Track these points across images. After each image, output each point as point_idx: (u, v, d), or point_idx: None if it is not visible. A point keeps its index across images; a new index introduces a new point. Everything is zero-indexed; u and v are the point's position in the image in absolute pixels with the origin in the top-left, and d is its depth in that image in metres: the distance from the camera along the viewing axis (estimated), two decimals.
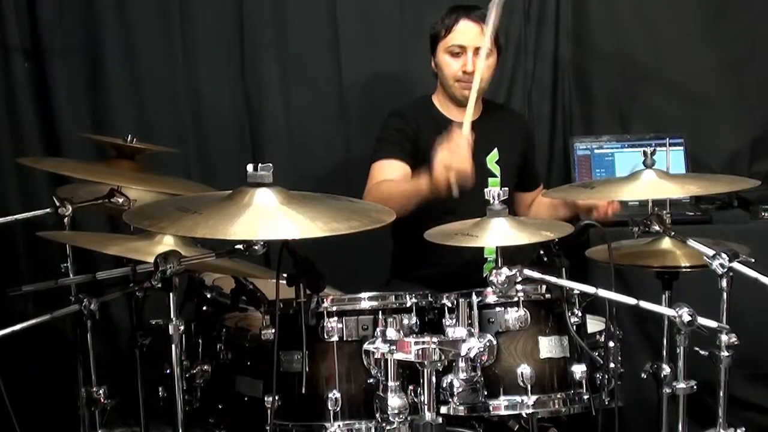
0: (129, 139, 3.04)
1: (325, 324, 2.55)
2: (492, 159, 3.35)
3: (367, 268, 3.71)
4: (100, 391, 2.76)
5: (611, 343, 2.69)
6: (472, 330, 2.42)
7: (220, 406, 2.76)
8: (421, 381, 2.32)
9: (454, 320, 2.44)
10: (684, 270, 2.76)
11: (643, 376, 2.80)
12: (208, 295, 2.93)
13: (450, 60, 3.28)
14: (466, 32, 3.24)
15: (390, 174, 3.23)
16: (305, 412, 2.55)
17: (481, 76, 3.21)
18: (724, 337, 2.44)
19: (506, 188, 2.61)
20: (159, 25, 4.00)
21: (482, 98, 3.38)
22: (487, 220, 2.59)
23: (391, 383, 2.33)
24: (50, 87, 3.95)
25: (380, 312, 2.56)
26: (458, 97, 3.32)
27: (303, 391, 2.52)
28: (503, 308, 2.61)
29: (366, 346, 2.43)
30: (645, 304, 2.45)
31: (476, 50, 3.22)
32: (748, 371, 3.52)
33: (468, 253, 3.09)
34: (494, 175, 3.35)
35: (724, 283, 2.44)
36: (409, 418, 2.34)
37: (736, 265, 2.43)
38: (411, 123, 3.33)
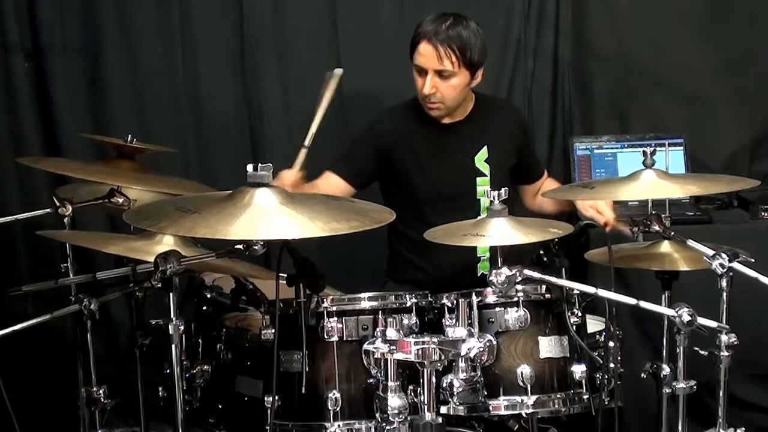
0: (129, 139, 3.04)
1: (325, 324, 2.55)
2: (481, 158, 3.34)
3: (364, 270, 3.71)
4: (100, 391, 2.76)
5: (611, 343, 2.69)
6: (472, 330, 2.42)
7: (220, 406, 2.76)
8: (421, 381, 2.32)
9: (454, 320, 2.44)
10: (684, 270, 2.75)
11: (643, 376, 2.80)
12: (208, 295, 2.94)
13: (417, 77, 3.24)
14: (425, 54, 3.18)
15: (323, 187, 3.27)
16: (305, 412, 2.56)
17: (445, 96, 3.21)
18: (723, 337, 2.44)
19: (506, 188, 2.61)
20: (159, 25, 4.00)
21: (474, 93, 3.36)
22: (486, 220, 2.59)
23: (391, 383, 2.34)
24: (50, 87, 3.96)
25: (380, 312, 2.57)
26: (432, 117, 3.31)
27: (303, 391, 2.52)
28: (503, 308, 2.61)
29: (366, 346, 2.43)
30: (645, 304, 2.45)
31: (437, 72, 3.18)
32: (748, 371, 3.52)
33: (462, 253, 3.10)
34: (483, 174, 3.34)
35: (723, 283, 2.45)
36: (409, 418, 2.34)
37: (735, 265, 2.43)
38: (387, 136, 3.34)
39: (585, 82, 4.11)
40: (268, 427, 2.52)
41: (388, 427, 2.35)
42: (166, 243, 2.56)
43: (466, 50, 3.17)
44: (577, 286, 2.54)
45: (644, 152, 2.68)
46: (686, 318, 2.39)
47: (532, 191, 3.55)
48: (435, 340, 2.31)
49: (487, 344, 2.52)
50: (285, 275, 2.46)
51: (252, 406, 2.61)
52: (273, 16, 4.02)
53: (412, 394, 2.42)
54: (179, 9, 3.98)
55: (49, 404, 3.49)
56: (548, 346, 2.62)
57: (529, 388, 2.57)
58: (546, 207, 3.48)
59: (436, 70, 3.17)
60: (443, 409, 2.53)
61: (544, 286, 2.63)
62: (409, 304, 2.61)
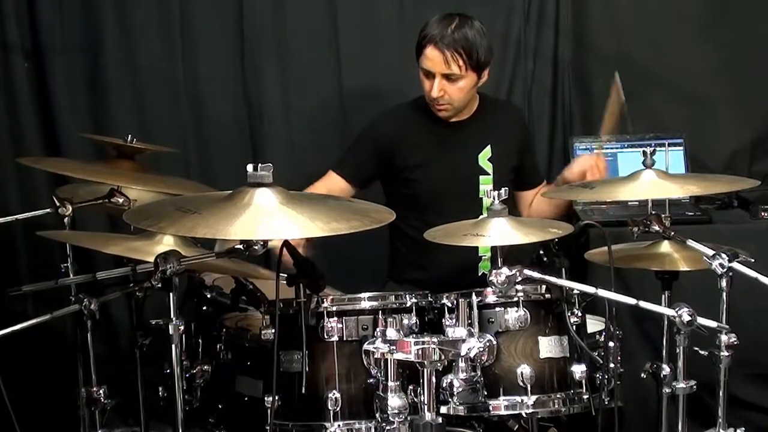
0: (129, 139, 3.04)
1: (325, 324, 2.55)
2: (484, 156, 3.35)
3: (364, 270, 3.71)
4: (100, 391, 2.76)
5: (611, 343, 2.69)
6: (472, 330, 2.42)
7: (220, 406, 2.76)
8: (421, 381, 2.32)
9: (454, 320, 2.44)
10: (684, 270, 2.75)
11: (643, 376, 2.80)
12: (208, 295, 2.93)
13: (424, 79, 3.24)
14: (432, 59, 3.18)
15: (323, 185, 3.32)
16: (305, 412, 2.55)
17: (453, 97, 3.22)
18: (723, 337, 2.44)
19: (506, 188, 2.61)
20: (159, 25, 4.00)
21: (478, 93, 3.37)
22: (487, 220, 2.59)
23: (391, 383, 2.34)
24: (50, 87, 3.96)
25: (380, 312, 2.57)
26: (436, 116, 3.31)
27: (303, 391, 2.52)
28: (503, 308, 2.61)
29: (366, 346, 2.43)
30: (645, 304, 2.45)
31: (445, 75, 3.18)
32: (748, 371, 3.52)
33: (463, 253, 3.10)
34: (486, 173, 3.34)
35: (723, 283, 2.45)
36: (409, 418, 2.34)
37: (735, 265, 2.43)
38: (387, 136, 3.35)
39: (585, 82, 4.11)
40: (268, 427, 2.52)
41: (388, 427, 2.35)
42: (166, 243, 2.56)
43: (473, 52, 3.17)
44: (577, 286, 2.54)
45: (644, 152, 2.68)
46: (686, 318, 2.39)
47: (528, 199, 3.54)
48: (435, 340, 2.31)
49: (487, 344, 2.51)
50: (285, 275, 2.46)
51: (252, 406, 2.61)
52: (273, 16, 4.02)
53: (412, 394, 2.42)
54: (179, 9, 3.98)
55: (49, 404, 3.49)
56: (548, 346, 2.62)
57: (529, 388, 2.57)
58: (543, 215, 3.46)
59: (443, 74, 3.18)
60: (443, 409, 2.52)
61: (544, 286, 2.62)
62: (409, 304, 2.61)
